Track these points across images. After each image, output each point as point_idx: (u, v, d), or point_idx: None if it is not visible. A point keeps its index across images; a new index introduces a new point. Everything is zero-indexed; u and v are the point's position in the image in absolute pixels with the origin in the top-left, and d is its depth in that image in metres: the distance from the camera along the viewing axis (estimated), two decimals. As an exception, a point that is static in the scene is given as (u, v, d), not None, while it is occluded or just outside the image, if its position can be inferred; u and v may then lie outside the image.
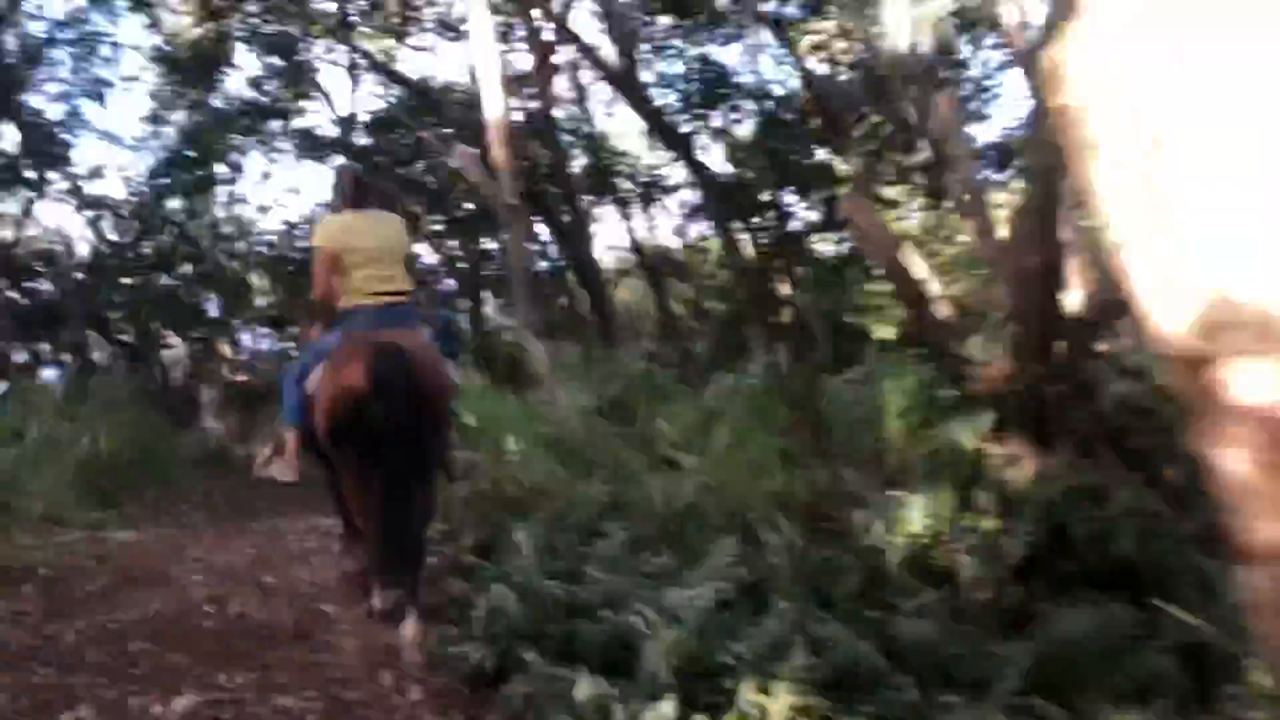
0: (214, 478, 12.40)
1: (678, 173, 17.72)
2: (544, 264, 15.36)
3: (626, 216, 16.40)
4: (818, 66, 15.32)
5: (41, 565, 5.87)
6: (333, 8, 16.69)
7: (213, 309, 16.49)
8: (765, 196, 15.00)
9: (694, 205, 16.56)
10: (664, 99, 15.04)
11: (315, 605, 5.46)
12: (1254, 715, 3.01)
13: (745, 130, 15.90)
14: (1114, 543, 4.34)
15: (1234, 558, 1.62)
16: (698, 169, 13.93)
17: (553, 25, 14.28)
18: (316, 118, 18.67)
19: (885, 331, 14.30)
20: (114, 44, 16.16)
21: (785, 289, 14.37)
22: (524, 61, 16.28)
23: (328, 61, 17.83)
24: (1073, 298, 5.08)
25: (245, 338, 17.72)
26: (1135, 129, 1.49)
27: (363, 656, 4.65)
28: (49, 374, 14.85)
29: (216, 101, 16.76)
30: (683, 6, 15.22)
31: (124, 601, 5.36)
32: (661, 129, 14.19)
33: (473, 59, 12.78)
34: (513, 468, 6.89)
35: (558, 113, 15.86)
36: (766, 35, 14.62)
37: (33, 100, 14.88)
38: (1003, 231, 5.63)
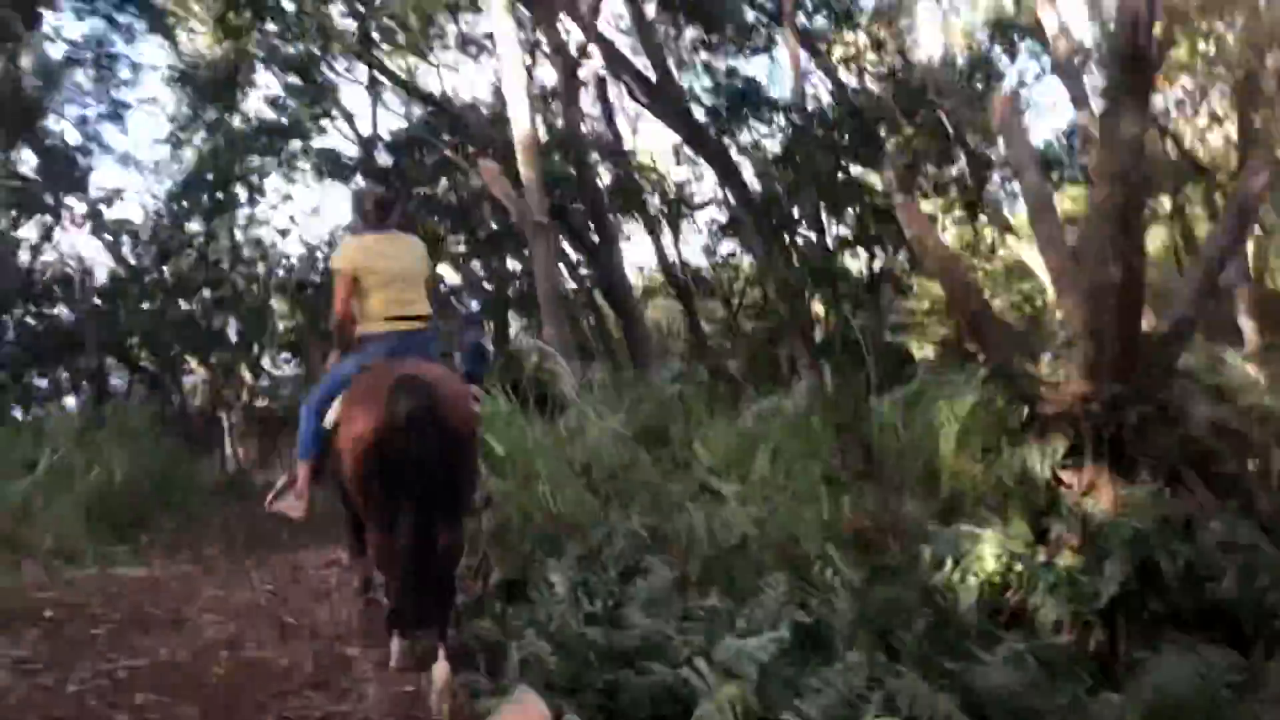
0: (232, 506, 12.11)
1: (706, 189, 17.48)
2: (571, 283, 15.08)
3: (655, 234, 16.07)
4: (849, 79, 15.01)
5: (48, 606, 5.54)
6: (353, 25, 16.50)
7: (233, 334, 16.23)
8: (796, 212, 14.62)
9: (725, 221, 16.23)
10: (693, 113, 14.67)
11: (337, 647, 5.10)
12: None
13: (775, 145, 15.58)
14: (1209, 580, 3.95)
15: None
16: (731, 182, 13.56)
17: (582, 36, 13.95)
18: (337, 137, 18.50)
19: (926, 350, 13.93)
20: (132, 65, 16.04)
21: (818, 307, 13.98)
22: (549, 76, 16.05)
23: (349, 80, 17.69)
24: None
25: (266, 363, 17.45)
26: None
27: (388, 706, 4.29)
28: (66, 401, 14.67)
29: (236, 122, 16.57)
30: (711, 19, 14.93)
31: (133, 646, 5.02)
32: (697, 139, 13.82)
33: (498, 74, 12.54)
34: (543, 497, 6.53)
35: (584, 128, 15.57)
36: (796, 48, 14.25)
37: (51, 123, 14.77)
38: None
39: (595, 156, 15.26)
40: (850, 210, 14.39)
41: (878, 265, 15.45)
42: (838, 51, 14.77)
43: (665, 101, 13.36)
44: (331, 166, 16.93)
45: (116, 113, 15.59)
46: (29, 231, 14.26)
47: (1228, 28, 11.23)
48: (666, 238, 16.74)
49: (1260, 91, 10.80)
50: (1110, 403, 4.34)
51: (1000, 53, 14.70)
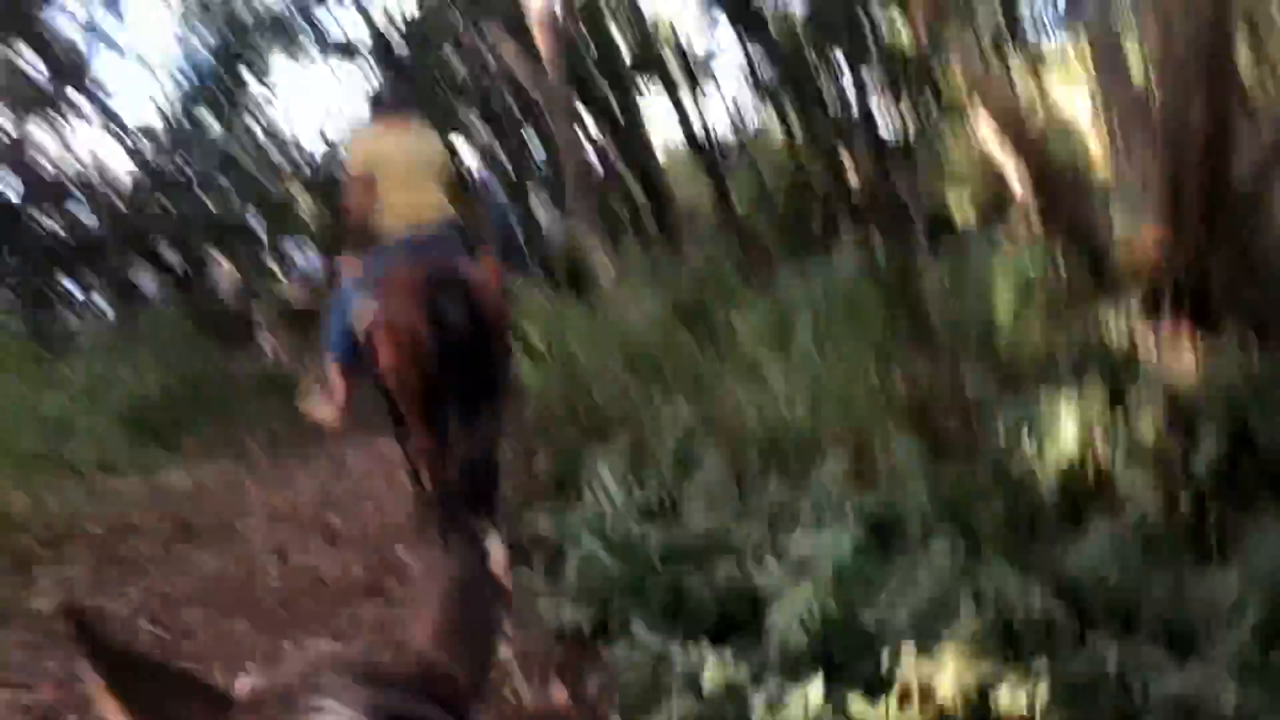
0: (272, 402, 12.05)
1: (730, 57, 16.74)
2: (596, 161, 14.62)
3: (678, 103, 15.49)
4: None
5: (91, 523, 5.45)
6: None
7: (258, 229, 15.98)
8: (824, 70, 13.97)
9: (752, 85, 15.59)
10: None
11: (387, 552, 4.99)
12: None
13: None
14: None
15: None
16: (758, 38, 12.89)
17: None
18: (351, 23, 17.87)
19: (965, 210, 13.47)
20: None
21: (852, 171, 13.49)
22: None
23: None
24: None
25: (295, 255, 17.22)
26: None
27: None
28: (94, 308, 14.54)
29: (246, 14, 15.98)
30: None
31: (180, 561, 4.93)
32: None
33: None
34: (584, 385, 6.32)
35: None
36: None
37: (49, 16, 14.20)
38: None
39: (614, 27, 14.61)
40: (879, 65, 13.75)
41: (911, 123, 14.88)
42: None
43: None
44: (346, 53, 16.39)
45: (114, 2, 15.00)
46: (44, 135, 13.93)
47: None
48: (691, 109, 16.17)
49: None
50: (1193, 257, 4.02)
51: None
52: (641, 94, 15.00)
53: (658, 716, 2.81)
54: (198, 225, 15.15)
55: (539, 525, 4.66)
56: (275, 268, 16.75)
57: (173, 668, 0.82)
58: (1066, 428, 3.84)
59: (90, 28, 14.48)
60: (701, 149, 15.62)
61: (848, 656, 2.84)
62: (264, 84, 16.23)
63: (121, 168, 15.61)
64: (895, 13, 13.85)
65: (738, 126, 17.22)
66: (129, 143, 14.94)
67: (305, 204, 16.80)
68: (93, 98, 14.23)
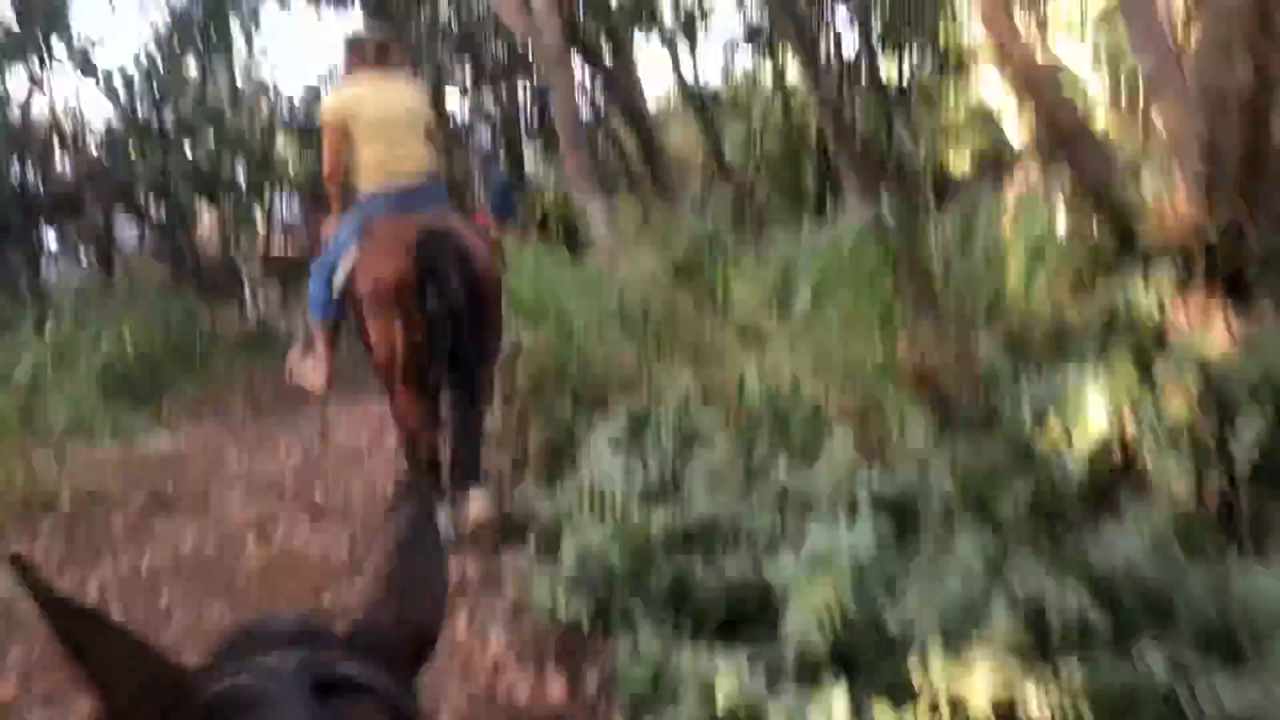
0: (255, 359, 11.81)
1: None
2: (586, 110, 14.24)
3: (673, 51, 15.08)
4: None
5: (64, 492, 5.20)
6: None
7: (241, 179, 15.55)
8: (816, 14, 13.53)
9: (744, 30, 15.15)
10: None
11: (374, 526, 4.76)
12: None
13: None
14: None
15: None
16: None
17: None
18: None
19: (963, 164, 13.16)
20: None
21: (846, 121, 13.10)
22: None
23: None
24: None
25: (279, 207, 16.83)
26: None
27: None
28: (70, 261, 14.16)
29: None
30: None
31: (155, 536, 4.71)
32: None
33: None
34: (579, 347, 6.08)
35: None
36: None
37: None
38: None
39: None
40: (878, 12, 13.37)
41: (907, 71, 14.50)
42: None
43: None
44: (334, 2, 15.87)
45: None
46: (17, 83, 13.47)
47: None
48: (684, 55, 15.77)
49: None
50: (1229, 228, 3.79)
51: None
52: (634, 42, 14.61)
53: (665, 722, 2.61)
54: (180, 176, 14.76)
55: (534, 503, 4.45)
56: (260, 220, 16.37)
57: (117, 623, 0.79)
58: (1094, 406, 3.62)
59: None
60: (693, 95, 15.24)
61: (870, 661, 2.64)
62: (251, 34, 15.75)
63: (100, 116, 15.21)
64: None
65: (729, 69, 16.83)
66: (109, 90, 14.49)
67: (292, 155, 16.39)
68: (70, 43, 13.76)
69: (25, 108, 13.64)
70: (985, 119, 12.30)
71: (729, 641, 2.88)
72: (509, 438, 5.72)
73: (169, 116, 15.18)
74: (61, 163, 14.09)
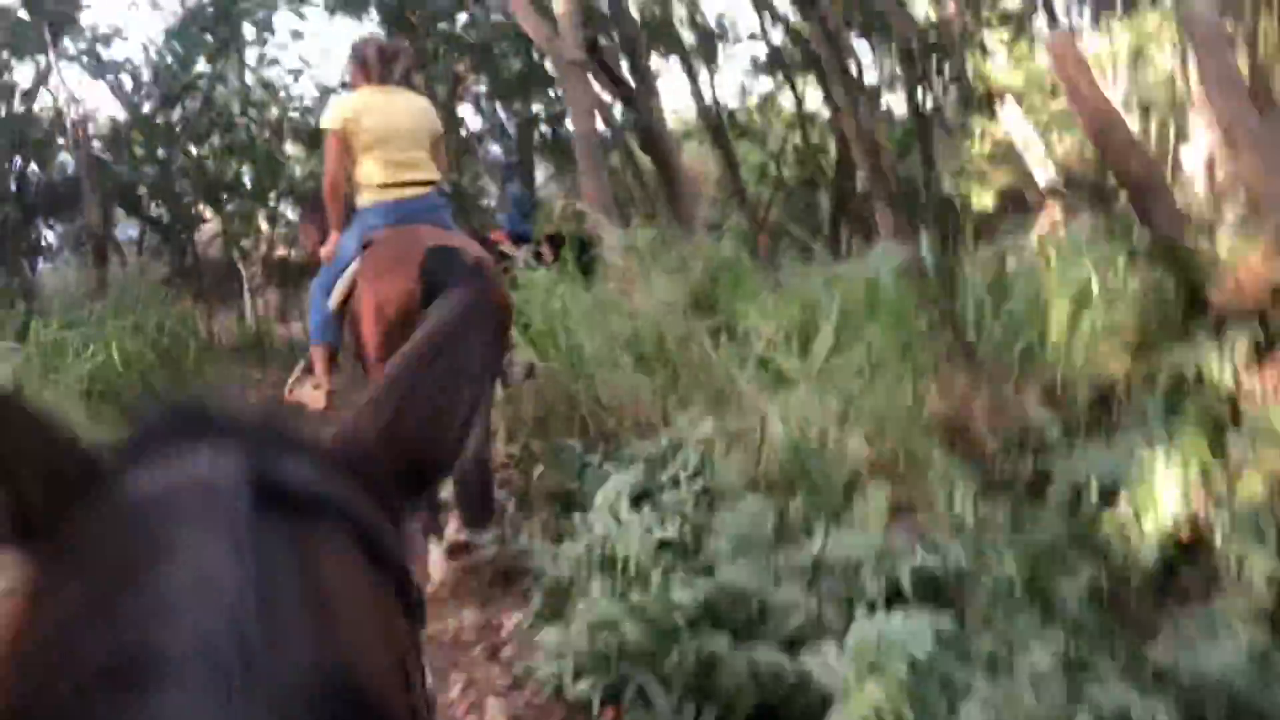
0: (253, 368, 11.50)
1: (744, 24, 16.06)
2: (604, 129, 13.94)
3: (691, 72, 14.80)
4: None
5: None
6: None
7: (247, 181, 15.27)
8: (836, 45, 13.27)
9: (764, 56, 14.91)
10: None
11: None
12: None
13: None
14: None
15: None
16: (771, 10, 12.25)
17: None
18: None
19: (985, 200, 12.85)
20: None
21: (866, 153, 12.82)
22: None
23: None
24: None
25: (284, 210, 16.55)
26: None
27: (432, 654, 3.61)
28: (65, 260, 13.86)
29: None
30: None
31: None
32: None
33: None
34: (590, 383, 5.75)
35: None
36: None
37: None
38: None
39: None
40: (894, 44, 13.09)
41: (928, 105, 14.25)
42: None
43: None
44: (349, 7, 15.62)
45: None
46: (23, 76, 13.18)
47: None
48: (703, 77, 15.50)
49: None
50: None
51: None
52: (654, 64, 14.36)
53: None
54: (183, 176, 14.51)
55: (539, 557, 4.10)
56: (264, 224, 16.08)
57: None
58: (1167, 483, 3.28)
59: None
60: (711, 117, 14.98)
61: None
62: (257, 26, 15.49)
63: (105, 112, 14.95)
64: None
65: (748, 93, 16.64)
66: (116, 86, 14.23)
67: (296, 155, 16.12)
68: (79, 37, 13.50)
69: (29, 100, 13.35)
70: (1010, 154, 12.04)
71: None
72: (512, 473, 5.40)
73: (175, 115, 14.93)
74: (62, 158, 13.78)
